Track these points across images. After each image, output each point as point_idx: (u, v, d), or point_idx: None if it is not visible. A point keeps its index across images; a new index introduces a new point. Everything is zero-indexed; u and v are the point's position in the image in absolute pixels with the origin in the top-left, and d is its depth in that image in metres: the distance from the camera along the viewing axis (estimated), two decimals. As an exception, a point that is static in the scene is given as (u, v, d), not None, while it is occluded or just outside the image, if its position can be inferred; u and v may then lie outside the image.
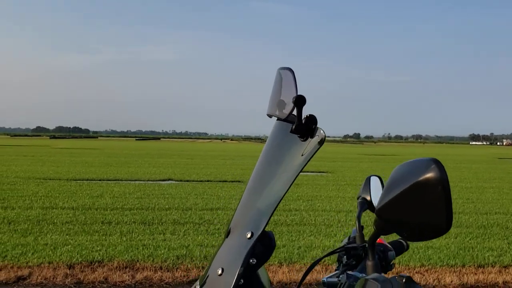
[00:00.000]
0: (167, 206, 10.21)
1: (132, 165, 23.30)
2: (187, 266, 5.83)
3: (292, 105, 1.00)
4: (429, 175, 0.81)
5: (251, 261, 0.98)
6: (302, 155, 0.99)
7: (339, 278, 1.28)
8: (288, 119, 1.05)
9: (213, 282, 1.04)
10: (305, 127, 0.99)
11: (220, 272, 1.01)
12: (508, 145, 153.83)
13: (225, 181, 16.31)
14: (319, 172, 21.25)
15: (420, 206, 0.83)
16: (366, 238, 1.34)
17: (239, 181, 16.13)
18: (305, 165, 0.98)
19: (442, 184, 0.80)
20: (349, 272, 1.26)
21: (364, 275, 1.23)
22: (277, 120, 1.17)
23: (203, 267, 5.78)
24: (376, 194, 1.49)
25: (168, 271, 5.67)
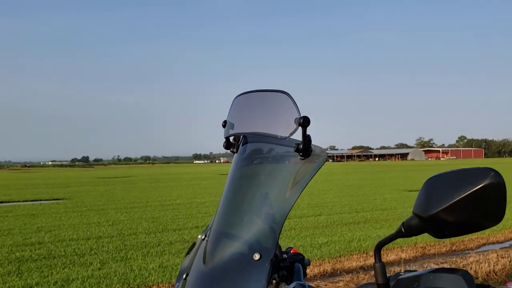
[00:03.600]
0: None
1: None
2: None
3: (294, 125, 1.04)
4: (491, 181, 0.90)
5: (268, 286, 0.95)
6: (303, 172, 1.04)
7: None
8: (284, 139, 1.07)
9: None
10: (307, 146, 1.04)
11: None
12: (225, 162, 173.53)
13: None
14: (54, 199, 19.69)
15: (481, 208, 0.92)
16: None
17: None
18: (308, 182, 1.02)
19: (502, 189, 0.91)
20: (300, 282, 1.17)
21: (305, 283, 1.17)
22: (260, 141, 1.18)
23: None
24: None
25: None
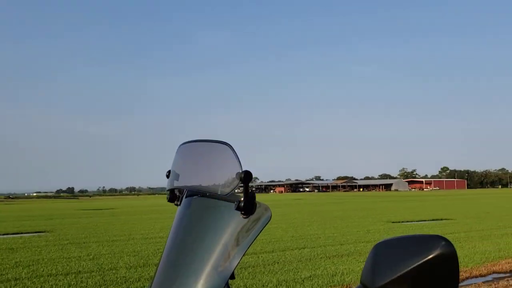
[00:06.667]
0: None
1: None
2: None
3: (235, 180, 0.97)
4: (441, 252, 0.84)
5: None
6: (246, 232, 0.97)
7: None
8: (224, 196, 1.02)
9: None
10: (251, 204, 0.97)
11: None
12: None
13: None
14: (36, 232, 19.28)
15: (431, 281, 0.86)
16: None
17: None
18: (252, 242, 0.96)
19: (454, 260, 0.85)
20: None
21: None
22: (199, 196, 1.13)
23: None
24: None
25: None
